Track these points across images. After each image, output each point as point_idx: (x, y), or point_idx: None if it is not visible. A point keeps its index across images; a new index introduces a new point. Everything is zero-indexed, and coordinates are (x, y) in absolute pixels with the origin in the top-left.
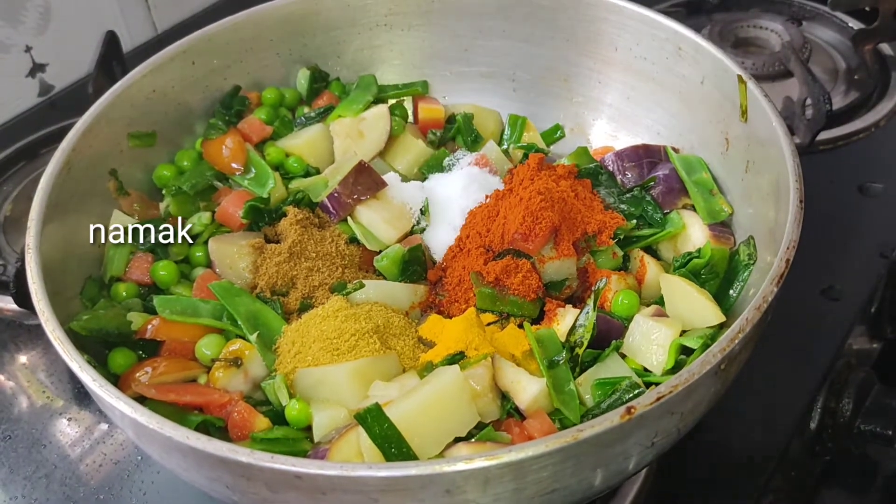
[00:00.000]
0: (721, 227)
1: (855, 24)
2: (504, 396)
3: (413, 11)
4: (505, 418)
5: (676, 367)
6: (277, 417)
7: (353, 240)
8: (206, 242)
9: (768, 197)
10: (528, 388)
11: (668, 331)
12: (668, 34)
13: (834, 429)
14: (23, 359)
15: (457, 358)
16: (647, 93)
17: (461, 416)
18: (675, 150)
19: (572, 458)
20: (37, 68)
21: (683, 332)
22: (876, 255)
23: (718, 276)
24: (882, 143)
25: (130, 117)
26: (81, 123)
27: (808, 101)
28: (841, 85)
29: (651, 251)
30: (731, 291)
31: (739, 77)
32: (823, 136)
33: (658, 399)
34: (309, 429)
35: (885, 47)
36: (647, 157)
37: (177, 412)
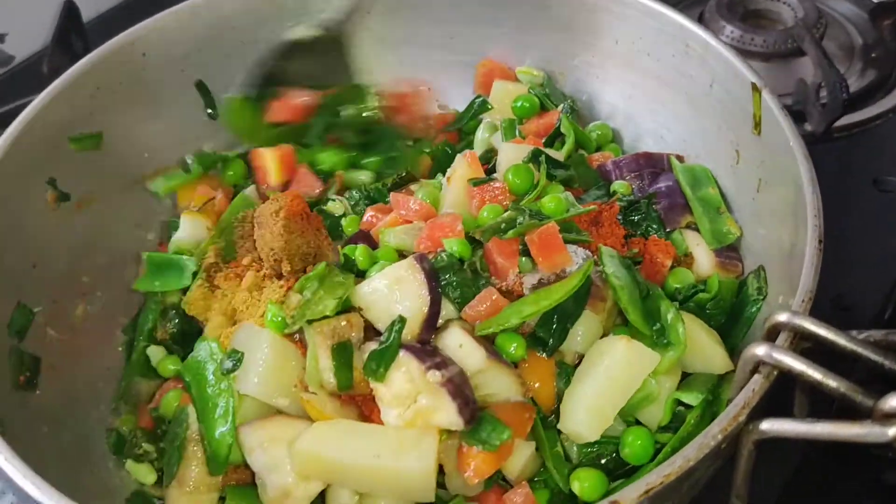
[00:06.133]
0: (728, 251)
1: None
2: None
3: None
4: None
5: (673, 420)
6: None
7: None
8: None
9: (783, 220)
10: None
11: (667, 383)
12: (675, 30)
13: (844, 447)
14: None
15: None
16: (650, 92)
17: None
18: (680, 159)
19: None
20: None
21: (684, 375)
22: (891, 257)
23: (724, 311)
24: None
25: (70, 119)
26: (8, 135)
27: (823, 84)
28: (857, 63)
29: None
30: (738, 329)
31: (753, 85)
32: (838, 121)
33: (647, 492)
34: None
35: None
36: (648, 166)
37: None
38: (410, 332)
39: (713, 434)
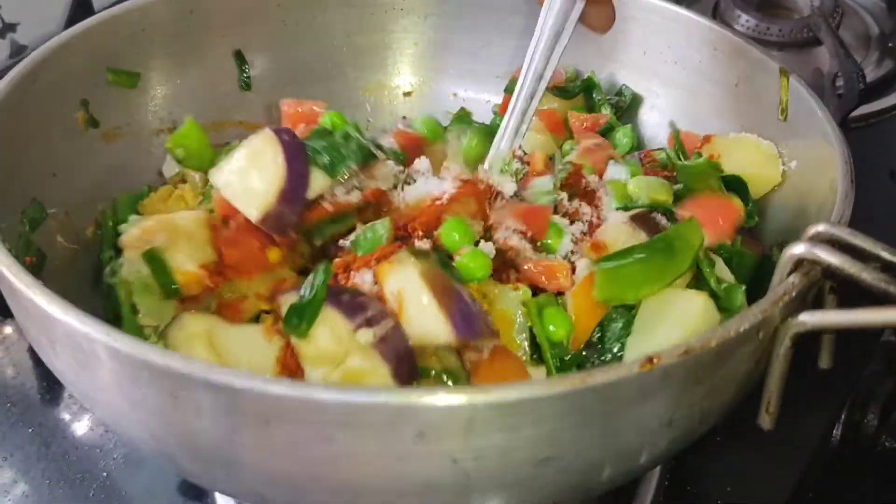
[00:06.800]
0: (748, 232)
1: None
2: None
3: None
4: None
5: None
6: None
7: None
8: None
9: (806, 206)
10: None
11: None
12: (705, 34)
13: (856, 445)
14: None
15: None
16: (673, 102)
17: None
18: None
19: (576, 412)
20: (7, 28)
21: None
22: None
23: (745, 275)
24: None
25: (113, 50)
26: (53, 42)
27: (840, 74)
28: (874, 53)
29: None
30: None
31: (782, 70)
32: (854, 112)
33: (686, 352)
34: None
35: None
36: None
37: None
38: (267, 204)
39: (754, 313)
